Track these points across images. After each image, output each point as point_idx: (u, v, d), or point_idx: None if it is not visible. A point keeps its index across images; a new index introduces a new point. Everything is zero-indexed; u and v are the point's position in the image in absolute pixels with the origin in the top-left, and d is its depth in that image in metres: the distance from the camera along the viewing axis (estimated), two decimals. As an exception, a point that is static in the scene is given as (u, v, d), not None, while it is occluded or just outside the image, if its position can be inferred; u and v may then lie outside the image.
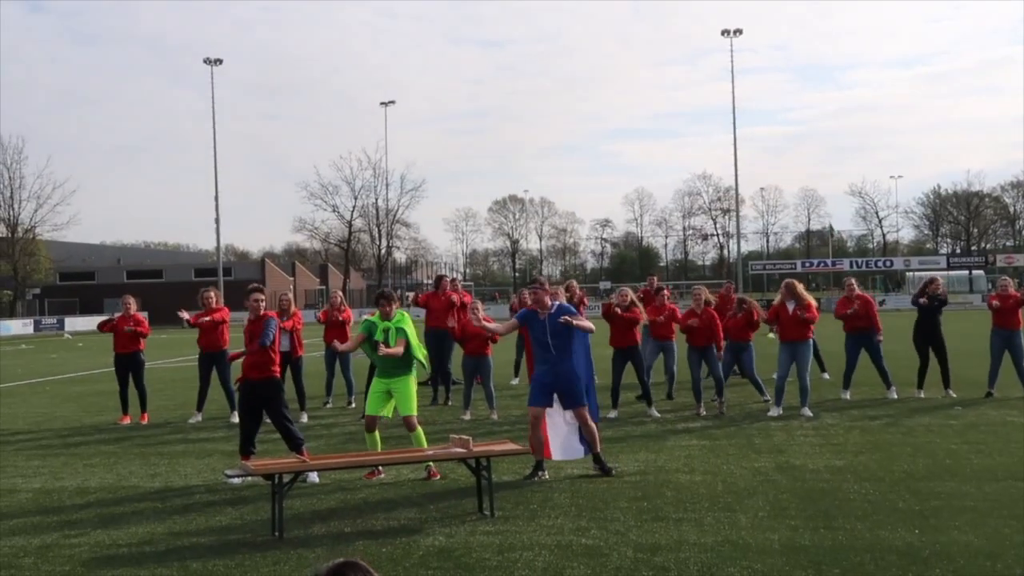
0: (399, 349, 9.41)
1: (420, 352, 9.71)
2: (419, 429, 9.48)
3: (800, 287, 13.48)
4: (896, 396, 14.74)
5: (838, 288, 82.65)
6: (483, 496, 8.09)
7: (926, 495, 8.29)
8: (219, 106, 70.96)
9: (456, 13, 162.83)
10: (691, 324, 13.85)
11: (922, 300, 15.00)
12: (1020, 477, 8.94)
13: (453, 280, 16.90)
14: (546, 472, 9.42)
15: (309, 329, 15.35)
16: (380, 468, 9.59)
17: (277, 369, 9.65)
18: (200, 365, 14.25)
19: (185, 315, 13.88)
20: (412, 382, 9.63)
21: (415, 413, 9.55)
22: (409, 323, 9.68)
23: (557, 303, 9.40)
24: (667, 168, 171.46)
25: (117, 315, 14.64)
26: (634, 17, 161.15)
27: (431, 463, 9.41)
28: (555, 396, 9.30)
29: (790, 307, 13.31)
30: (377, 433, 9.64)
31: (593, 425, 9.43)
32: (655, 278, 17.73)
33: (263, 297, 9.76)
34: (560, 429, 9.37)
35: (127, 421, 14.30)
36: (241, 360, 9.74)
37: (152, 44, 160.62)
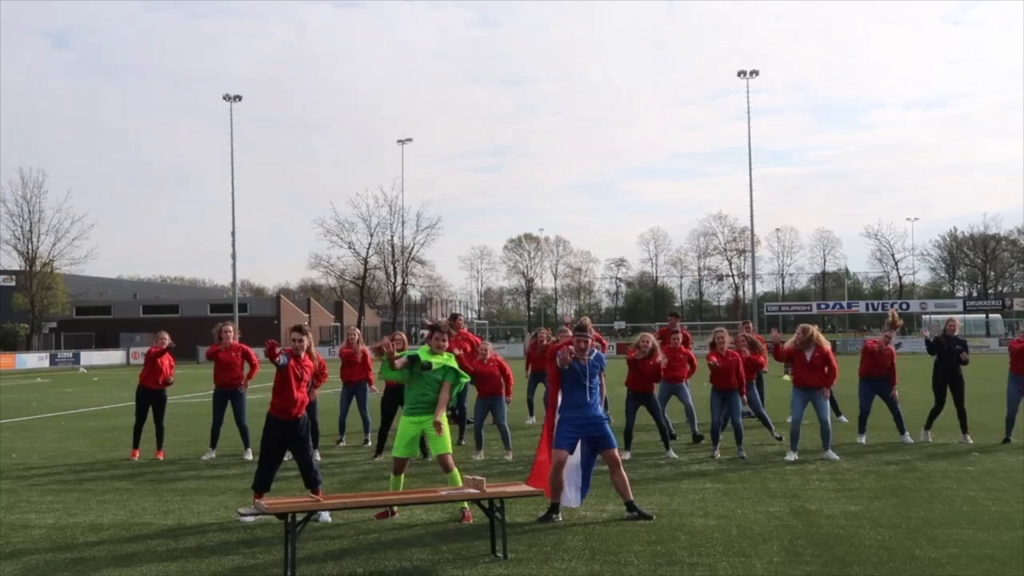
0: (444, 404, 9.43)
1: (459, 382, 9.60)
2: (455, 469, 9.29)
3: (819, 333, 13.35)
4: (911, 441, 14.67)
5: (854, 331, 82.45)
6: (496, 538, 8.05)
7: (943, 542, 8.22)
8: (237, 142, 71.35)
9: (475, 51, 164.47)
10: (713, 363, 13.74)
11: (964, 357, 14.88)
12: (1038, 525, 8.86)
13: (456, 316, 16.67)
14: (560, 515, 9.38)
15: (332, 367, 15.31)
16: (394, 509, 9.56)
17: (304, 409, 9.71)
18: (215, 401, 14.27)
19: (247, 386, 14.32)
20: (445, 420, 9.48)
21: (451, 451, 9.40)
22: (456, 364, 9.64)
23: (595, 350, 9.55)
24: (684, 208, 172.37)
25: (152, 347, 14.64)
26: (652, 57, 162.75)
27: (466, 506, 9.38)
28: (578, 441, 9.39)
29: (808, 354, 13.19)
30: (403, 477, 9.55)
31: (624, 472, 9.46)
32: (676, 319, 17.63)
33: (302, 337, 9.74)
34: (572, 476, 9.40)
35: (137, 456, 14.30)
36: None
37: (173, 80, 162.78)
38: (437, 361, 9.43)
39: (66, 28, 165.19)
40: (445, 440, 9.34)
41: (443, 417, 9.39)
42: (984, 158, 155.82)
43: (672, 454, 13.61)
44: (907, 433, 14.86)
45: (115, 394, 30.55)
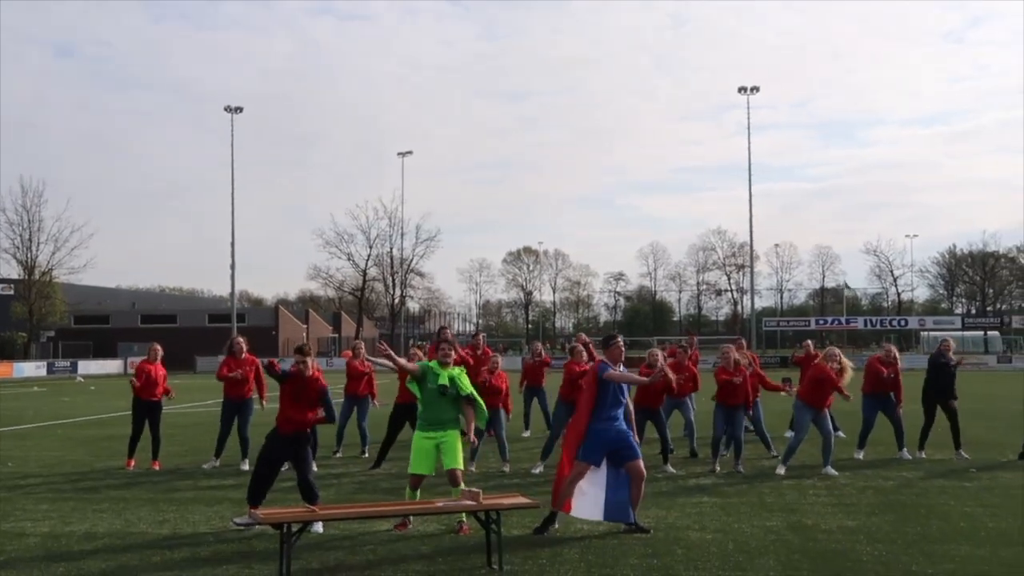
0: (471, 423, 9.42)
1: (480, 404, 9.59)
2: (462, 485, 9.22)
3: (844, 358, 13.34)
4: (909, 457, 14.66)
5: (852, 346, 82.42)
6: (492, 550, 8.04)
7: (940, 558, 8.21)
8: (238, 153, 71.37)
9: (478, 65, 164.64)
10: (729, 380, 13.68)
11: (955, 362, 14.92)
12: (1035, 542, 8.85)
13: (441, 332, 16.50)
14: (556, 524, 9.38)
15: (330, 378, 15.27)
16: (410, 519, 9.55)
17: (310, 426, 9.68)
18: (223, 412, 14.23)
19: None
20: (459, 435, 9.46)
21: (462, 467, 9.39)
22: (466, 379, 9.63)
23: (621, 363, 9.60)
24: (684, 222, 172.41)
25: (142, 360, 14.66)
26: (656, 73, 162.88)
27: (464, 518, 9.35)
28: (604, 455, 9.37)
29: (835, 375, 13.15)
30: (419, 492, 9.45)
31: (643, 487, 9.43)
32: (694, 337, 17.68)
33: (304, 359, 9.68)
34: (590, 488, 9.33)
35: (132, 466, 14.28)
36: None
37: (174, 91, 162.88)
38: (445, 374, 9.39)
39: (69, 38, 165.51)
40: (458, 455, 9.33)
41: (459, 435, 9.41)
42: (984, 176, 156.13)
43: (670, 468, 13.58)
44: (905, 449, 14.84)
45: (112, 403, 30.50)
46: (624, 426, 9.43)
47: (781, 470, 13.20)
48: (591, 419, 9.35)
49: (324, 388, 9.63)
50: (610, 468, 9.38)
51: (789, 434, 15.90)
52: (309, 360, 9.70)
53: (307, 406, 9.54)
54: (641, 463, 9.42)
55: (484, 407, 9.61)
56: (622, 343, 9.61)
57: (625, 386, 9.48)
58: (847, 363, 13.26)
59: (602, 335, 10.50)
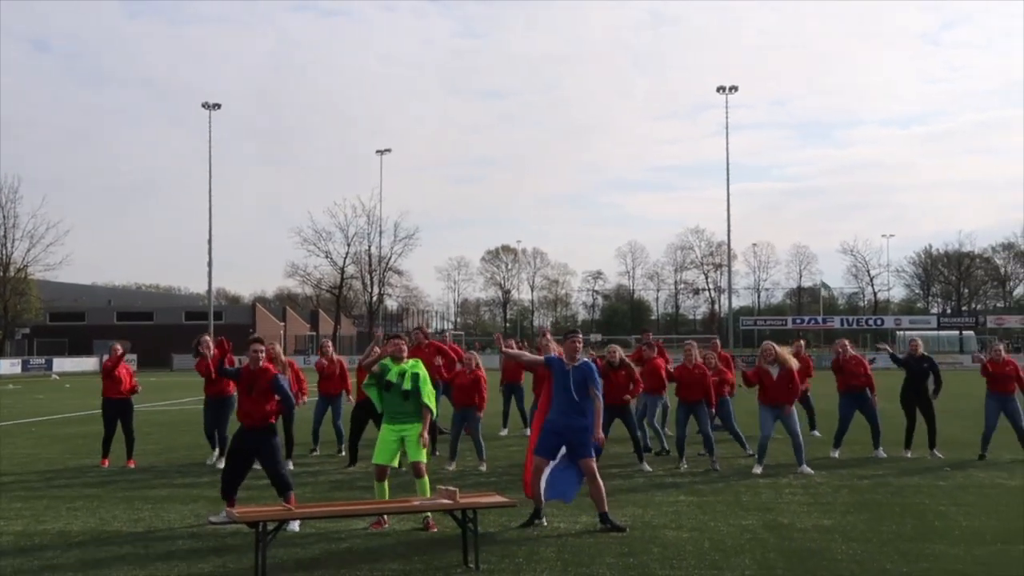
0: (427, 420, 9.48)
1: (431, 399, 9.61)
2: (426, 477, 9.42)
3: (780, 351, 13.39)
4: (884, 456, 14.74)
5: (828, 346, 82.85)
6: (468, 548, 8.03)
7: (915, 557, 8.25)
8: (215, 150, 70.97)
9: (457, 63, 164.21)
10: (680, 373, 13.81)
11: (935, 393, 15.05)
12: (1009, 540, 8.92)
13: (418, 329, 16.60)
14: (544, 519, 9.47)
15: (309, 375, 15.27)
16: (385, 518, 9.55)
17: (273, 418, 9.64)
18: (205, 410, 14.11)
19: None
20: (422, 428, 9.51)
21: (425, 460, 9.48)
22: (423, 369, 9.69)
23: (584, 359, 9.61)
24: (663, 221, 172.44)
25: (106, 357, 14.58)
26: (634, 71, 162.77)
27: (429, 514, 9.36)
28: (560, 448, 9.38)
29: (773, 372, 13.22)
30: (387, 483, 9.52)
31: (600, 483, 9.45)
32: (649, 333, 17.69)
33: (262, 348, 9.78)
34: (547, 473, 9.39)
35: (107, 465, 14.19)
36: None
37: (152, 87, 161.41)
38: (396, 370, 9.51)
39: (44, 33, 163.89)
40: (421, 448, 9.40)
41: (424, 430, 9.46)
42: (960, 176, 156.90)
43: (646, 467, 13.61)
44: (881, 448, 14.93)
45: (87, 401, 30.30)
46: (582, 422, 9.35)
47: (757, 469, 13.25)
48: (547, 413, 9.42)
49: (274, 376, 9.61)
50: (564, 457, 9.41)
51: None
52: (262, 351, 9.72)
53: (261, 398, 9.51)
54: (592, 462, 9.41)
55: (431, 401, 9.60)
56: (579, 339, 9.64)
57: (575, 376, 9.39)
58: (782, 353, 13.32)
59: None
